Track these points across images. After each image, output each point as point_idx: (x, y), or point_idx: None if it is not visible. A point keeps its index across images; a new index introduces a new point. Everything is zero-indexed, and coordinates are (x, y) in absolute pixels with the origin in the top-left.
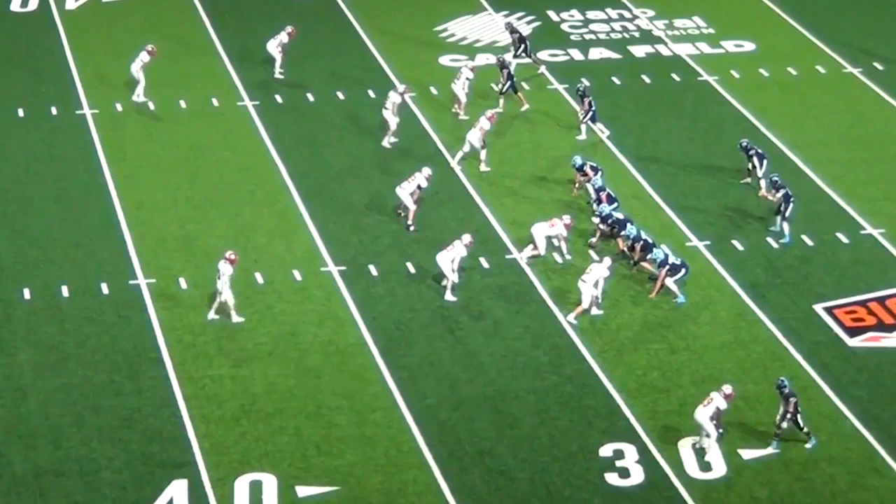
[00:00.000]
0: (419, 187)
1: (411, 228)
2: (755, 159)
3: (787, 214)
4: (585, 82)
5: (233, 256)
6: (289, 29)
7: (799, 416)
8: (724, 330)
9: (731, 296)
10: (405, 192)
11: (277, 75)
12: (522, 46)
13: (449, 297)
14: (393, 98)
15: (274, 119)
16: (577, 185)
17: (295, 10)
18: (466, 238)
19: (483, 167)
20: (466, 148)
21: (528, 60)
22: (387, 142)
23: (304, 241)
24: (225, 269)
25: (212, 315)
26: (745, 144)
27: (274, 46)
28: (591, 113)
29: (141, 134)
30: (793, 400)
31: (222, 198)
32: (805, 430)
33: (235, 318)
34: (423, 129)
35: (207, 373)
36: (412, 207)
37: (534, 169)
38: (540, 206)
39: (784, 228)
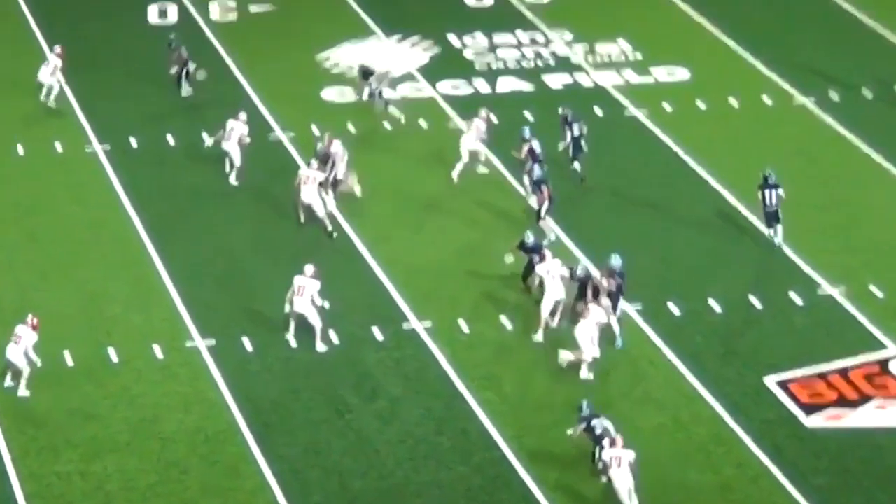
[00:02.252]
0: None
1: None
2: (569, 132)
3: (765, 211)
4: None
5: (35, 322)
6: (57, 50)
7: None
8: (660, 409)
9: (667, 369)
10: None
11: (51, 104)
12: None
13: (320, 346)
14: (234, 127)
15: (128, 166)
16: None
17: (154, 41)
18: (309, 269)
19: (481, 168)
20: (467, 159)
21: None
22: (233, 178)
23: (166, 310)
24: (28, 335)
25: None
26: (565, 114)
27: (48, 75)
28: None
29: None
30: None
31: (69, 260)
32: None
33: (22, 392)
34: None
35: (53, 468)
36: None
37: (430, 217)
38: (439, 263)
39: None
